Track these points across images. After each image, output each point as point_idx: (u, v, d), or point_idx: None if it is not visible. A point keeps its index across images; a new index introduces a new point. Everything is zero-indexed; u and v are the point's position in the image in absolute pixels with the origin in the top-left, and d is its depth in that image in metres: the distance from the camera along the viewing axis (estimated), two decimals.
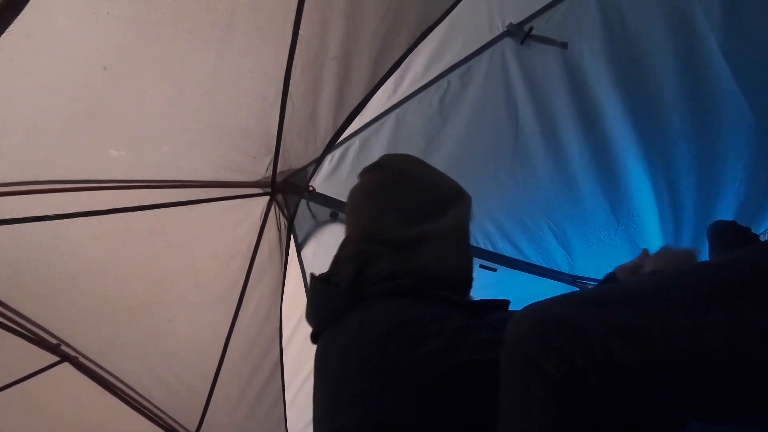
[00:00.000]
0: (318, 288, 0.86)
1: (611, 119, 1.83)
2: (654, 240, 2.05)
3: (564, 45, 1.69)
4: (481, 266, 2.08)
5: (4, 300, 1.53)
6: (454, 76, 1.72)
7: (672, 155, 1.90)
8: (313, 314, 0.85)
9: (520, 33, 1.66)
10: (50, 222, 1.34)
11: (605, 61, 1.73)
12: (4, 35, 0.84)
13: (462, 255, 0.83)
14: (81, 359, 1.73)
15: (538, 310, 0.53)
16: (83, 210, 1.35)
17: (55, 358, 1.70)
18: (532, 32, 1.66)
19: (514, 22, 1.66)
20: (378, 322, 0.70)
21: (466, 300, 0.82)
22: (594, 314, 0.50)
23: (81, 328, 1.68)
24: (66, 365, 1.72)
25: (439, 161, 1.83)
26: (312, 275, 0.88)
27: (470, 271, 0.85)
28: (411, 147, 1.80)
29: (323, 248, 1.87)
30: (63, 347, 1.69)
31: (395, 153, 1.05)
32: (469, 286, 0.85)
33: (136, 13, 1.01)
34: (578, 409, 0.46)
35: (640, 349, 0.45)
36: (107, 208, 1.38)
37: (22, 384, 1.67)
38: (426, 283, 0.75)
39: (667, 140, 1.87)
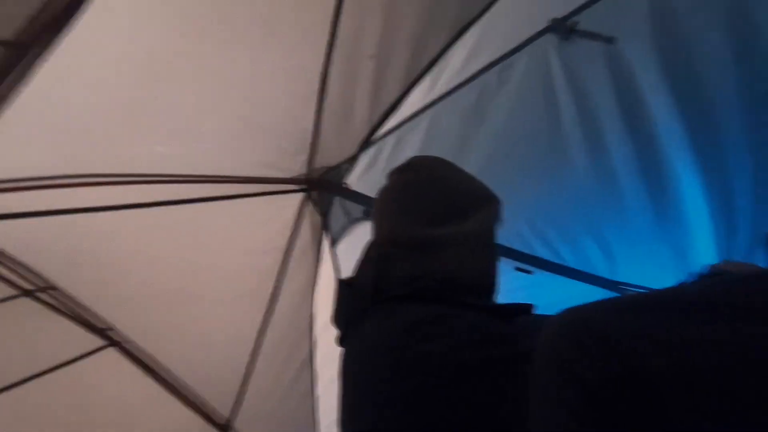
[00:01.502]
0: (342, 292, 0.86)
1: (660, 120, 1.73)
2: (703, 247, 1.93)
3: (610, 40, 1.61)
4: (517, 269, 2.03)
5: (60, 285, 1.63)
6: (492, 73, 1.68)
7: (727, 160, 1.78)
8: (337, 318, 0.86)
9: (563, 28, 1.61)
10: (102, 213, 1.42)
11: (654, 57, 1.63)
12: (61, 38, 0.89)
13: (484, 259, 0.81)
14: (126, 344, 1.83)
15: (574, 314, 0.53)
16: (130, 203, 1.43)
17: (103, 342, 1.81)
18: (577, 27, 1.60)
19: (557, 16, 1.61)
20: (394, 324, 0.70)
21: (487, 304, 0.80)
22: (629, 320, 0.49)
23: (127, 315, 1.77)
24: (112, 349, 1.83)
25: (474, 161, 1.81)
26: (338, 279, 0.89)
27: (494, 276, 0.82)
28: (446, 146, 1.78)
29: (356, 245, 1.88)
30: (110, 332, 1.79)
31: (425, 155, 1.02)
32: (492, 291, 0.82)
33: (181, 13, 1.06)
34: (608, 415, 0.46)
35: (671, 357, 0.45)
36: (153, 201, 1.45)
37: (71, 366, 1.79)
38: (446, 287, 0.74)
39: (722, 144, 1.75)
